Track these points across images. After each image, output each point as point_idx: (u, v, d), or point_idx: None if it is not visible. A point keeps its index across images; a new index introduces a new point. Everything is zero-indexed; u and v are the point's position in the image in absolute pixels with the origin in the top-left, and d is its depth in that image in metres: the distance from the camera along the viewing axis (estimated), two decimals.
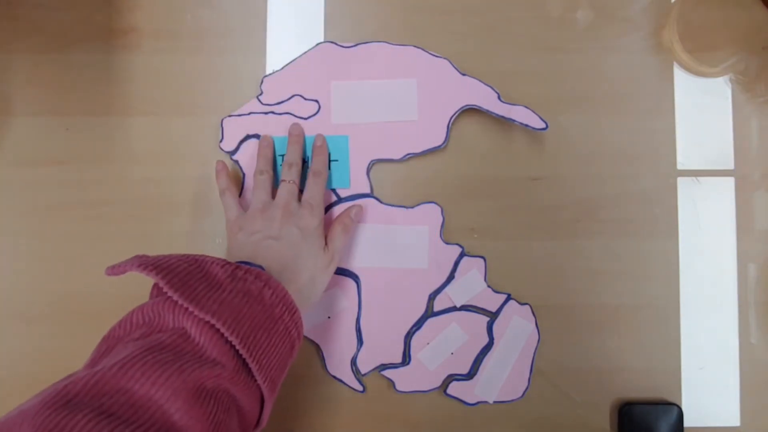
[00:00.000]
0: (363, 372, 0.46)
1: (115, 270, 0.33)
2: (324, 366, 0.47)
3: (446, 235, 0.48)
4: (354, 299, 0.47)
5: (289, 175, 0.44)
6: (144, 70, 0.48)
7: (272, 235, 0.41)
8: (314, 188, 0.44)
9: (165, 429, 0.27)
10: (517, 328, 0.47)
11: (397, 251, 0.47)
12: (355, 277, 0.47)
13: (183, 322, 0.31)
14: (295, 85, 0.48)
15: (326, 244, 0.43)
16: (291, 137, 0.46)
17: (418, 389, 0.46)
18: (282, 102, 0.48)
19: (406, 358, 0.47)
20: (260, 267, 0.38)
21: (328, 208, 0.47)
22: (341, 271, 0.47)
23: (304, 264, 0.41)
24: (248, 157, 0.47)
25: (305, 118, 0.48)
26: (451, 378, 0.46)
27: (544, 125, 0.47)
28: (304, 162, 0.47)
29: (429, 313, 0.47)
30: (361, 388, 0.46)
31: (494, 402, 0.46)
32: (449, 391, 0.46)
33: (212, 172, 0.48)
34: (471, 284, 0.47)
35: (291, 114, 0.48)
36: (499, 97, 0.48)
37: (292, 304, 0.36)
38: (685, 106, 0.49)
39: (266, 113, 0.47)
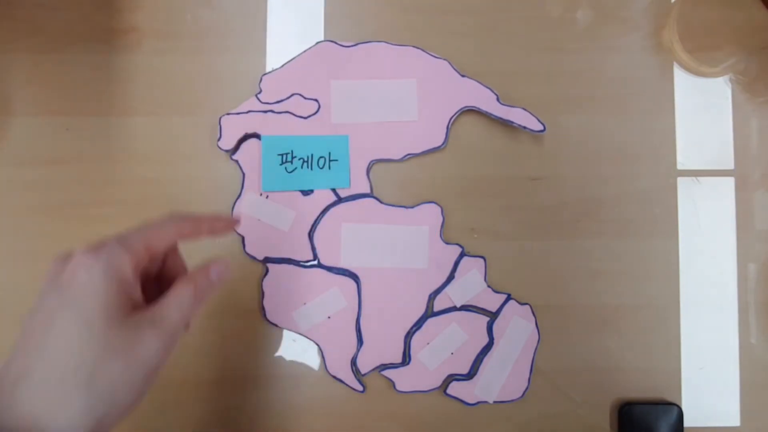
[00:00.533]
0: (363, 372, 0.46)
1: None
2: (324, 366, 0.47)
3: (446, 235, 0.48)
4: (354, 299, 0.47)
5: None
6: (144, 70, 0.48)
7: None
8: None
9: None
10: (517, 328, 0.47)
11: (397, 251, 0.47)
12: (355, 277, 0.47)
13: None
14: (294, 84, 0.48)
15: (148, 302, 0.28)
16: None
17: (418, 389, 0.46)
18: (281, 101, 0.48)
19: (406, 358, 0.47)
20: None
21: (327, 209, 0.47)
22: (341, 271, 0.47)
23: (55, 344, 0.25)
24: (248, 157, 0.47)
25: (305, 117, 0.48)
26: (451, 378, 0.46)
27: (542, 127, 0.47)
28: (305, 159, 0.47)
29: (429, 313, 0.47)
30: (361, 388, 0.46)
31: (494, 402, 0.46)
32: (449, 391, 0.46)
33: (212, 173, 0.48)
34: (471, 284, 0.47)
35: (290, 113, 0.48)
36: (498, 99, 0.48)
37: None
38: (685, 106, 0.49)
39: (265, 112, 0.48)
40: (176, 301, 0.28)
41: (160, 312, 0.27)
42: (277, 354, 0.47)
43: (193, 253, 0.50)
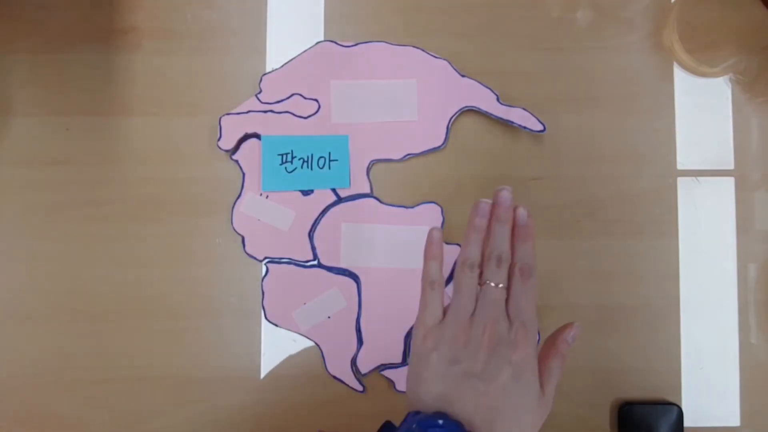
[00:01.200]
0: (363, 372, 0.46)
1: None
2: (324, 366, 0.47)
3: (446, 235, 0.48)
4: (354, 299, 0.47)
5: (498, 275, 0.32)
6: (144, 70, 0.48)
7: (476, 372, 0.30)
8: (526, 297, 0.32)
9: None
10: None
11: (397, 251, 0.47)
12: (355, 277, 0.47)
13: None
14: (294, 84, 0.48)
15: (541, 384, 0.32)
16: (500, 211, 0.33)
17: None
18: (281, 101, 0.48)
19: (406, 358, 0.46)
20: (457, 424, 0.29)
21: (327, 209, 0.47)
22: (341, 271, 0.47)
23: (517, 419, 0.30)
24: (248, 157, 0.47)
25: (305, 117, 0.48)
26: None
27: (542, 127, 0.47)
28: (305, 160, 0.47)
29: None
30: (361, 388, 0.46)
31: None
32: None
33: (212, 173, 0.48)
34: None
35: (290, 113, 0.48)
36: (498, 99, 0.48)
37: None
38: (685, 106, 0.49)
39: (265, 112, 0.47)
40: (552, 371, 0.32)
41: (546, 385, 0.32)
42: (277, 354, 0.47)
43: (193, 251, 0.50)
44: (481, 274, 0.32)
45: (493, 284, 0.32)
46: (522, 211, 0.33)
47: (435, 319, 0.32)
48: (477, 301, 0.32)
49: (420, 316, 0.33)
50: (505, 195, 0.33)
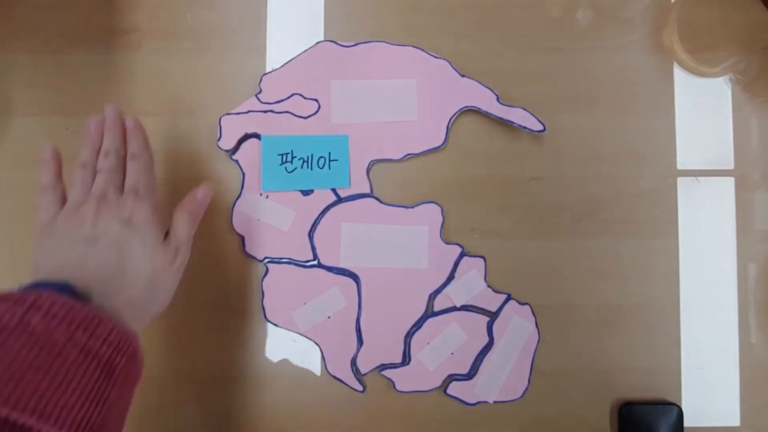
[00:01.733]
0: (363, 372, 0.46)
1: None
2: (324, 366, 0.47)
3: (446, 235, 0.48)
4: (354, 299, 0.47)
5: (106, 162, 0.37)
6: (144, 70, 0.48)
7: (85, 236, 0.34)
8: (135, 172, 0.37)
9: None
10: (517, 328, 0.47)
11: (397, 251, 0.47)
12: (355, 277, 0.47)
13: None
14: (294, 84, 0.48)
15: (166, 236, 0.37)
16: (107, 121, 0.39)
17: (418, 389, 0.46)
18: (281, 101, 0.48)
19: (406, 358, 0.47)
20: (64, 283, 0.31)
21: (327, 209, 0.47)
22: (341, 271, 0.47)
23: (133, 266, 0.34)
24: (248, 157, 0.47)
25: (305, 117, 0.48)
26: (451, 378, 0.46)
27: (542, 127, 0.47)
28: (305, 160, 0.47)
29: (429, 313, 0.47)
30: (361, 388, 0.46)
31: (494, 402, 0.46)
32: (449, 391, 0.46)
33: (212, 173, 0.48)
34: (471, 284, 0.47)
35: (290, 113, 0.48)
36: (498, 99, 0.48)
37: (89, 318, 0.29)
38: (685, 106, 0.49)
39: (265, 112, 0.48)
40: (178, 223, 0.37)
41: (174, 237, 0.37)
42: (277, 354, 0.47)
43: (193, 251, 0.50)
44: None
45: (104, 169, 0.37)
46: (130, 118, 0.39)
47: (50, 215, 0.36)
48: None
49: (39, 219, 0.37)
50: (110, 110, 0.39)
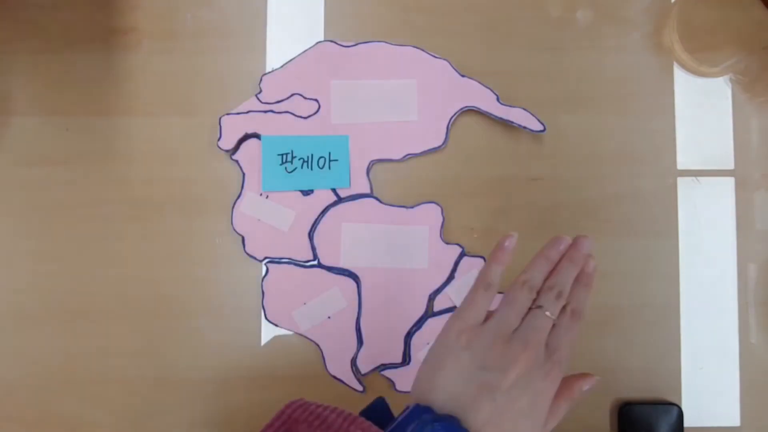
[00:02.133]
0: (363, 372, 0.46)
1: None
2: (324, 366, 0.47)
3: (446, 235, 0.48)
4: (354, 299, 0.47)
5: (553, 307, 0.32)
6: (144, 70, 0.48)
7: (501, 388, 0.30)
8: (569, 335, 0.32)
9: None
10: None
11: (397, 251, 0.47)
12: (355, 277, 0.47)
13: None
14: (294, 84, 0.48)
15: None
16: (573, 253, 0.35)
17: None
18: (281, 101, 0.48)
19: (406, 358, 0.46)
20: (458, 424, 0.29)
21: (327, 209, 0.47)
22: (341, 271, 0.47)
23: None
24: (248, 157, 0.47)
25: (305, 117, 0.48)
26: None
27: (542, 127, 0.47)
28: (305, 160, 0.47)
29: (429, 313, 0.47)
30: (361, 388, 0.46)
31: None
32: None
33: (212, 173, 0.48)
34: (471, 284, 0.47)
35: (290, 113, 0.48)
36: (498, 99, 0.48)
37: None
38: (685, 106, 0.49)
39: (265, 112, 0.48)
40: (557, 412, 0.32)
41: (549, 423, 0.32)
42: (277, 354, 0.47)
43: (193, 251, 0.50)
44: (534, 300, 0.33)
45: (548, 313, 0.32)
46: (592, 263, 0.35)
47: (477, 319, 0.32)
48: (522, 322, 0.32)
49: (462, 311, 0.33)
50: (587, 243, 0.35)
